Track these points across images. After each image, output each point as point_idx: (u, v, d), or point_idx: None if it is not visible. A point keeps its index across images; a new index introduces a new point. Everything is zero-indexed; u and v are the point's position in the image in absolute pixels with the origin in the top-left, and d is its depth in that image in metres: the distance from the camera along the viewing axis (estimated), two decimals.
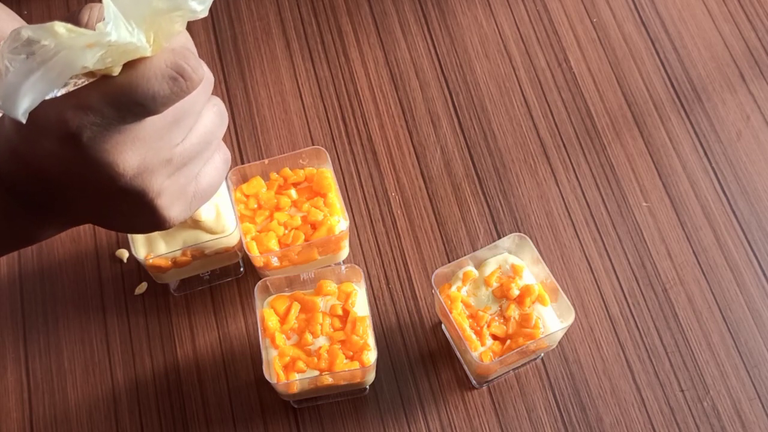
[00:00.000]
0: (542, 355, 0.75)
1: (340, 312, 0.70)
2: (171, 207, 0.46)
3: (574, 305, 0.70)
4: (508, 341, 0.69)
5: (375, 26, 0.92)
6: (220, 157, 0.48)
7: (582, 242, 0.80)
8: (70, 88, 0.41)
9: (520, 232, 0.77)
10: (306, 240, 0.72)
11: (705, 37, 0.92)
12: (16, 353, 0.76)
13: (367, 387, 0.73)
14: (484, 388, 0.74)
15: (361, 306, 0.70)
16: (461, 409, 0.73)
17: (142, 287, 0.78)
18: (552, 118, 0.87)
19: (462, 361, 0.74)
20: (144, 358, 0.75)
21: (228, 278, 0.79)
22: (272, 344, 0.68)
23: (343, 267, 0.72)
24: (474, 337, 0.69)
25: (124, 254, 0.80)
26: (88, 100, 0.41)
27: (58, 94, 0.40)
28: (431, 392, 0.74)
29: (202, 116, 0.46)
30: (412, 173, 0.84)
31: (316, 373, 0.67)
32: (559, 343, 0.75)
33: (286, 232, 0.73)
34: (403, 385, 0.74)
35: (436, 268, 0.71)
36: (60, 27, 0.40)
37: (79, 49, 0.39)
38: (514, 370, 0.74)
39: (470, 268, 0.72)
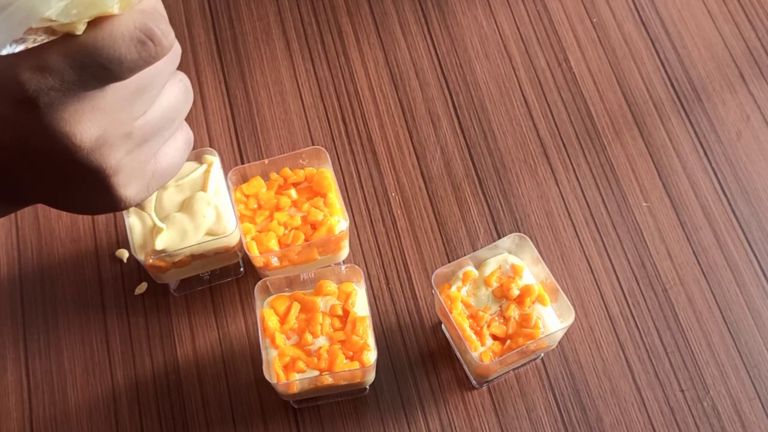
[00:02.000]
0: (542, 355, 0.75)
1: (340, 312, 0.70)
2: (127, 186, 0.42)
3: (574, 305, 0.70)
4: (508, 341, 0.69)
5: (375, 26, 0.92)
6: (182, 137, 0.45)
7: (582, 242, 0.80)
8: (29, 45, 0.37)
9: (520, 232, 0.77)
10: (306, 240, 0.72)
11: (705, 37, 0.92)
12: (16, 353, 0.76)
13: (367, 387, 0.73)
14: (484, 388, 0.74)
15: (361, 306, 0.70)
16: (461, 409, 0.73)
17: (142, 287, 0.78)
18: (552, 118, 0.87)
19: (462, 361, 0.74)
20: (144, 358, 0.75)
21: (228, 278, 0.79)
22: (272, 344, 0.68)
23: (343, 267, 0.72)
24: (474, 337, 0.69)
25: (124, 254, 0.80)
26: (47, 60, 0.37)
27: (16, 51, 0.37)
28: (431, 392, 0.74)
29: (166, 90, 0.42)
30: (412, 173, 0.84)
31: (316, 373, 0.67)
32: (559, 343, 0.75)
33: (286, 232, 0.73)
34: (403, 385, 0.74)
35: (436, 268, 0.71)
36: None
37: None
38: (514, 370, 0.74)
39: (470, 268, 0.72)
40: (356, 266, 0.71)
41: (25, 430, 0.73)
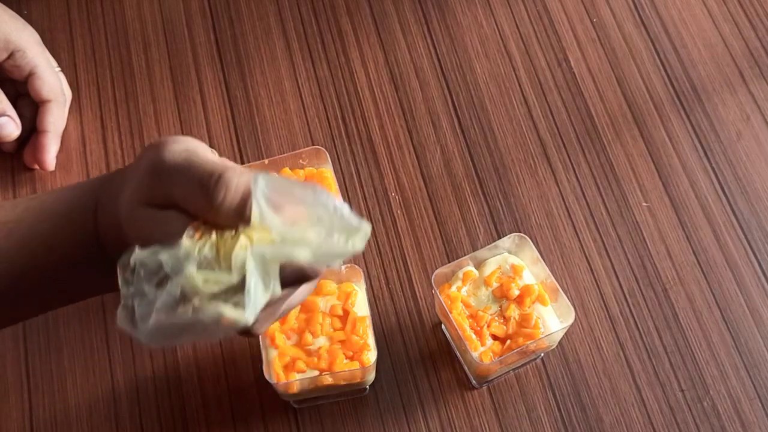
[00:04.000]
0: (542, 355, 0.75)
1: (340, 312, 0.70)
2: (261, 328, 0.49)
3: (574, 305, 0.71)
4: (508, 341, 0.69)
5: (375, 26, 0.92)
6: (309, 289, 0.51)
7: (582, 242, 0.80)
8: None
9: (520, 232, 0.77)
10: None
11: (705, 37, 0.92)
12: (16, 353, 0.76)
13: (367, 387, 0.73)
14: (484, 388, 0.74)
15: (361, 306, 0.70)
16: (461, 409, 0.73)
17: None
18: (552, 118, 0.87)
19: (462, 361, 0.74)
20: (144, 358, 0.75)
21: None
22: (272, 344, 0.68)
23: (343, 267, 0.72)
24: (474, 337, 0.69)
25: None
26: None
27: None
28: (431, 392, 0.74)
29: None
30: (412, 173, 0.84)
31: (316, 373, 0.67)
32: (559, 343, 0.75)
33: None
34: (403, 385, 0.74)
35: (436, 268, 0.71)
36: (198, 279, 0.42)
37: (212, 322, 0.42)
38: (514, 370, 0.74)
39: (470, 268, 0.72)
40: (356, 266, 0.71)
41: (25, 430, 0.73)
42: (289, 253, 0.42)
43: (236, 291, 0.42)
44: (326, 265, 0.44)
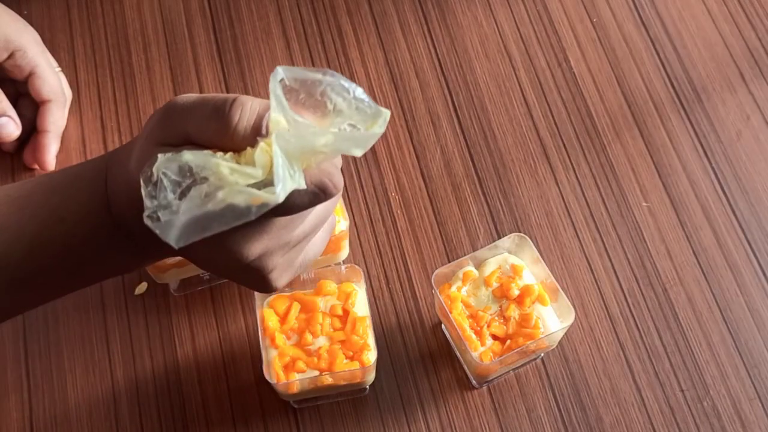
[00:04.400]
0: (542, 355, 0.75)
1: (340, 312, 0.70)
2: (279, 278, 0.49)
3: (574, 305, 0.71)
4: (508, 341, 0.69)
5: (375, 26, 0.92)
6: (328, 225, 0.52)
7: (582, 242, 0.80)
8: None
9: (520, 232, 0.77)
10: None
11: (705, 37, 0.92)
12: (16, 353, 0.76)
13: (367, 387, 0.73)
14: (484, 388, 0.74)
15: (361, 306, 0.70)
16: (461, 409, 0.73)
17: (142, 287, 0.78)
18: (552, 118, 0.87)
19: (462, 361, 0.74)
20: (144, 358, 0.75)
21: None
22: (272, 344, 0.68)
23: (343, 267, 0.72)
24: (474, 337, 0.69)
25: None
26: None
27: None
28: (431, 392, 0.74)
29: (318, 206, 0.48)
30: (412, 173, 0.84)
31: (316, 373, 0.67)
32: (559, 343, 0.75)
33: None
34: (403, 385, 0.74)
35: (436, 268, 0.71)
36: (225, 168, 0.42)
37: (242, 204, 0.41)
38: (514, 370, 0.74)
39: (470, 268, 0.72)
40: (356, 266, 0.71)
41: (25, 430, 0.73)
42: (311, 139, 0.42)
43: (262, 187, 0.41)
44: (349, 152, 0.43)
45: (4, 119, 0.79)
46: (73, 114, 0.86)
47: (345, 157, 0.84)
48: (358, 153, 0.43)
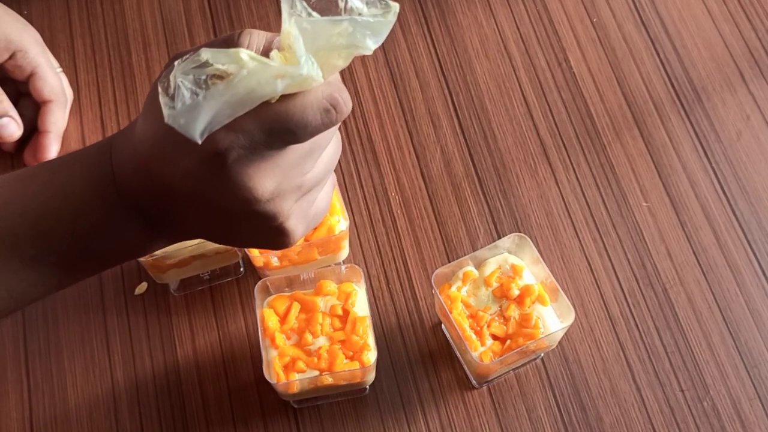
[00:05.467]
0: (542, 355, 0.75)
1: (340, 312, 0.70)
2: (297, 227, 0.48)
3: (574, 305, 0.71)
4: (508, 341, 0.69)
5: None
6: (331, 182, 0.51)
7: (582, 242, 0.80)
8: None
9: (520, 232, 0.77)
10: (306, 240, 0.72)
11: (705, 37, 0.92)
12: (16, 353, 0.76)
13: (367, 387, 0.73)
14: (484, 388, 0.74)
15: (361, 306, 0.70)
16: (461, 409, 0.73)
17: (142, 287, 0.78)
18: (552, 118, 0.87)
19: (462, 361, 0.74)
20: (144, 358, 0.75)
21: (228, 278, 0.79)
22: (272, 344, 0.68)
23: (343, 267, 0.72)
24: (474, 337, 0.69)
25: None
26: (241, 122, 0.41)
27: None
28: (431, 392, 0.74)
29: (328, 147, 0.48)
30: (412, 173, 0.84)
31: (316, 373, 0.67)
32: (559, 343, 0.75)
33: None
34: (403, 385, 0.74)
35: (436, 268, 0.71)
36: (244, 54, 0.41)
37: (266, 79, 0.40)
38: (514, 370, 0.74)
39: (470, 268, 0.72)
40: (356, 266, 0.71)
41: (25, 430, 0.73)
42: (327, 28, 0.41)
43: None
44: (363, 44, 0.42)
45: (6, 120, 0.80)
46: (73, 114, 0.86)
47: (345, 156, 0.84)
48: (372, 45, 0.42)
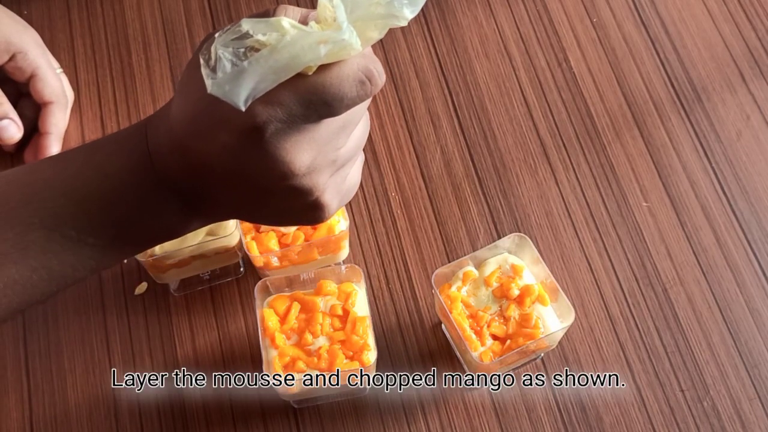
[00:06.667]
0: (542, 355, 0.75)
1: (340, 312, 0.70)
2: (332, 202, 0.49)
3: (574, 305, 0.71)
4: (508, 341, 0.69)
5: None
6: (361, 159, 0.53)
7: (582, 242, 0.80)
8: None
9: (520, 232, 0.77)
10: (306, 240, 0.72)
11: (705, 37, 0.92)
12: (16, 353, 0.76)
13: (367, 387, 0.73)
14: (484, 388, 0.74)
15: (361, 306, 0.70)
16: (461, 409, 0.73)
17: (142, 287, 0.78)
18: (552, 118, 0.87)
19: (462, 361, 0.74)
20: (144, 358, 0.75)
21: (228, 278, 0.79)
22: (272, 344, 0.68)
23: (343, 267, 0.72)
24: (474, 337, 0.69)
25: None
26: (279, 95, 0.42)
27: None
28: (431, 392, 0.74)
29: (360, 123, 0.48)
30: (412, 173, 0.84)
31: (316, 373, 0.67)
32: (559, 343, 0.75)
33: (286, 232, 0.73)
34: (403, 385, 0.74)
35: (436, 268, 0.71)
36: (285, 22, 0.41)
37: (309, 45, 0.40)
38: (514, 370, 0.74)
39: (470, 268, 0.72)
40: (356, 266, 0.71)
41: (25, 430, 0.73)
42: None
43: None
44: (401, 13, 0.42)
45: (6, 122, 0.80)
46: (73, 114, 0.86)
47: None
48: (409, 14, 0.42)
